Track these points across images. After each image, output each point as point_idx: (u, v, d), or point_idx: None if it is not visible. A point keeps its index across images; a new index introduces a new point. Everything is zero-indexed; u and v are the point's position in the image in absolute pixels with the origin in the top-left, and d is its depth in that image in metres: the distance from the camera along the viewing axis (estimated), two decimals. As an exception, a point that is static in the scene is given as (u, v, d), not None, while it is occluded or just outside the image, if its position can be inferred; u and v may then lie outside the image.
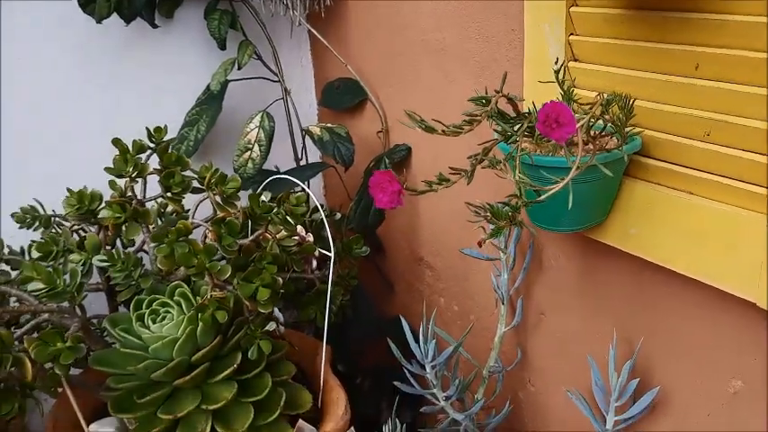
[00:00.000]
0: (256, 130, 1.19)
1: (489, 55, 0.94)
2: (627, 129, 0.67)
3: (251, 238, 0.88)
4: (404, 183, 0.60)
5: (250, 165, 1.18)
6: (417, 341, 0.88)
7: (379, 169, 1.15)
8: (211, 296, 0.79)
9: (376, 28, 1.17)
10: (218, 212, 0.85)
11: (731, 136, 0.65)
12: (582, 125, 0.63)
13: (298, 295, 1.10)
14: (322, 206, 1.11)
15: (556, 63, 0.64)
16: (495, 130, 0.67)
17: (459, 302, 1.16)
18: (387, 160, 1.15)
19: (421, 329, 0.89)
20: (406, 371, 0.92)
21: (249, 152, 1.18)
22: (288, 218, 0.87)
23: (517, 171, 0.64)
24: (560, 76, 0.65)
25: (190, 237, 0.83)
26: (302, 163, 1.28)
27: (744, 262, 0.65)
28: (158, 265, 0.79)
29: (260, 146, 1.18)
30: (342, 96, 1.28)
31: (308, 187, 1.29)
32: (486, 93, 0.66)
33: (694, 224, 0.69)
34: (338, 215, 1.12)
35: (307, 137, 1.23)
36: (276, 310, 0.97)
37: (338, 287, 1.07)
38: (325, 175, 1.44)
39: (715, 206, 0.67)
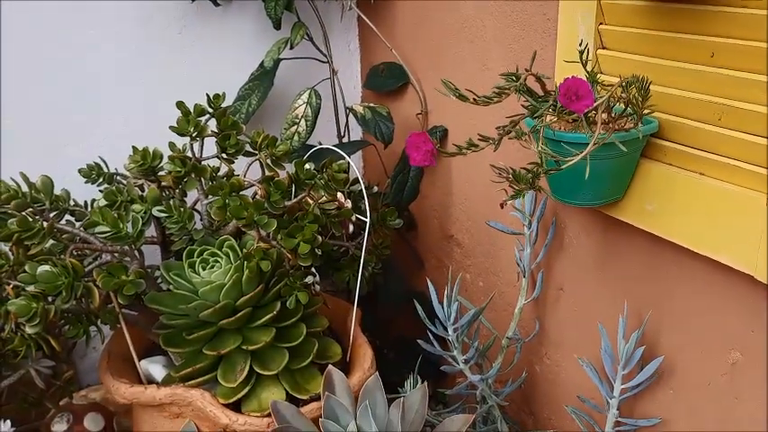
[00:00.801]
0: (304, 106, 1.27)
1: (526, 42, 1.00)
2: (644, 110, 0.73)
3: (295, 200, 0.96)
4: (436, 145, 0.67)
5: (296, 138, 1.26)
6: (442, 304, 0.95)
7: (416, 147, 1.22)
8: (257, 246, 0.88)
9: (421, 15, 1.24)
10: (267, 173, 0.93)
11: (741, 120, 0.70)
12: (601, 102, 0.69)
13: (333, 261, 1.18)
14: (359, 179, 1.19)
15: (580, 45, 0.71)
16: (523, 106, 0.74)
17: (485, 278, 1.23)
18: (424, 140, 1.22)
19: (445, 293, 0.96)
20: (429, 332, 0.99)
21: (296, 126, 1.26)
22: (329, 183, 0.95)
23: (540, 142, 0.71)
24: (584, 56, 0.71)
25: (241, 193, 0.92)
26: (344, 140, 1.36)
27: (745, 237, 0.71)
28: (212, 216, 0.88)
29: (306, 121, 1.26)
30: (385, 80, 1.36)
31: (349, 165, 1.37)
32: (518, 71, 0.73)
33: (704, 203, 0.75)
34: (375, 188, 1.20)
35: (350, 115, 1.31)
36: (313, 269, 1.05)
37: (371, 255, 1.14)
38: (365, 153, 1.51)
39: (723, 186, 0.73)
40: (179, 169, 0.90)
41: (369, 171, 1.53)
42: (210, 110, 0.99)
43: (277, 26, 1.27)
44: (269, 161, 0.91)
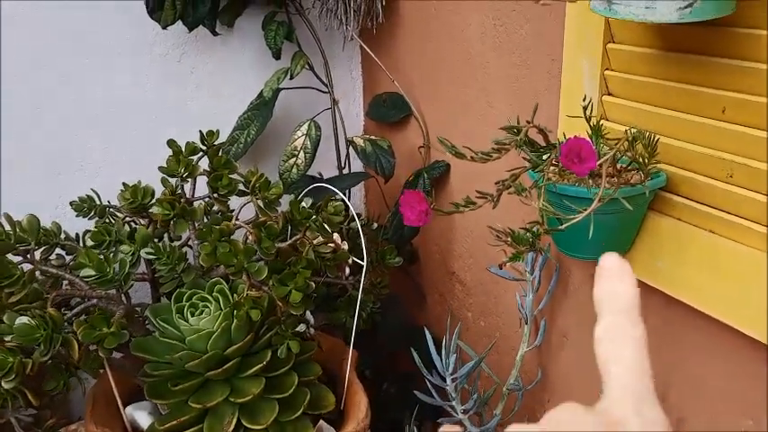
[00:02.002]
0: (303, 137, 1.24)
1: (529, 83, 0.97)
2: (651, 165, 0.70)
3: (289, 242, 0.93)
4: (432, 204, 0.63)
5: (294, 170, 1.23)
6: (440, 353, 0.92)
7: (417, 184, 1.19)
8: (247, 295, 0.84)
9: (425, 47, 1.21)
10: (259, 216, 0.90)
11: (753, 179, 0.66)
12: (606, 160, 0.65)
13: (330, 300, 1.14)
14: (359, 215, 1.16)
15: (584, 100, 0.67)
16: (524, 158, 0.70)
17: (486, 319, 1.19)
18: (426, 175, 1.19)
19: (444, 342, 0.92)
20: (427, 381, 0.96)
21: (295, 158, 1.23)
22: (325, 225, 0.92)
23: (542, 199, 0.67)
24: (588, 112, 0.67)
25: (232, 237, 0.88)
26: (345, 171, 1.33)
27: (758, 303, 0.67)
28: (200, 262, 0.84)
29: (305, 153, 1.23)
30: (388, 110, 1.32)
31: (349, 195, 1.34)
32: (519, 122, 0.69)
33: (714, 263, 0.71)
34: (375, 225, 1.16)
35: (351, 147, 1.28)
36: (308, 312, 1.02)
37: (369, 295, 1.11)
38: (367, 183, 1.48)
39: (734, 246, 0.69)
40: (167, 212, 0.87)
41: (370, 202, 1.50)
42: (203, 147, 0.96)
43: (277, 56, 1.24)
44: (261, 204, 0.87)
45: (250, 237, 0.86)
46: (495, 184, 0.68)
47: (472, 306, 1.23)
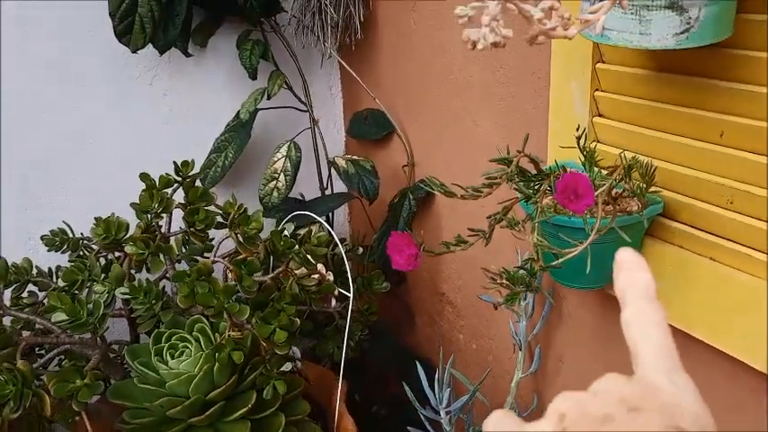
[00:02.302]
0: (283, 159, 1.20)
1: (515, 101, 0.93)
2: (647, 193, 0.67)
3: (271, 275, 0.89)
4: (421, 245, 0.60)
5: (275, 194, 1.19)
6: (433, 387, 0.88)
7: (402, 205, 1.15)
8: (229, 336, 0.80)
9: (406, 62, 1.17)
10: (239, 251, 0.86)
11: (754, 206, 0.64)
12: (601, 191, 0.62)
13: (317, 328, 1.10)
14: (343, 240, 1.12)
15: (577, 130, 0.64)
16: (515, 189, 0.67)
17: (478, 341, 1.16)
18: (411, 196, 1.16)
19: (437, 375, 0.88)
20: (420, 415, 0.92)
21: (275, 181, 1.19)
22: (308, 257, 0.88)
23: (536, 233, 0.64)
24: (581, 142, 0.64)
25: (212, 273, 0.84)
26: (328, 192, 1.29)
27: (760, 332, 0.64)
28: (178, 303, 0.80)
29: (286, 176, 1.19)
30: (369, 128, 1.29)
31: (333, 216, 1.30)
32: (509, 152, 0.66)
33: (715, 292, 0.68)
34: (360, 250, 1.13)
35: (332, 168, 1.24)
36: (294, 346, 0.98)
37: (357, 323, 1.07)
38: (351, 202, 1.44)
39: (737, 275, 0.66)
40: (141, 251, 0.82)
41: (355, 221, 1.46)
42: (178, 178, 0.92)
43: (253, 76, 1.20)
44: (241, 239, 0.83)
45: (230, 275, 0.81)
46: (487, 218, 0.65)
47: (463, 328, 1.19)
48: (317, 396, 1.10)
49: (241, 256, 0.82)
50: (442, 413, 0.90)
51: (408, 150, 1.21)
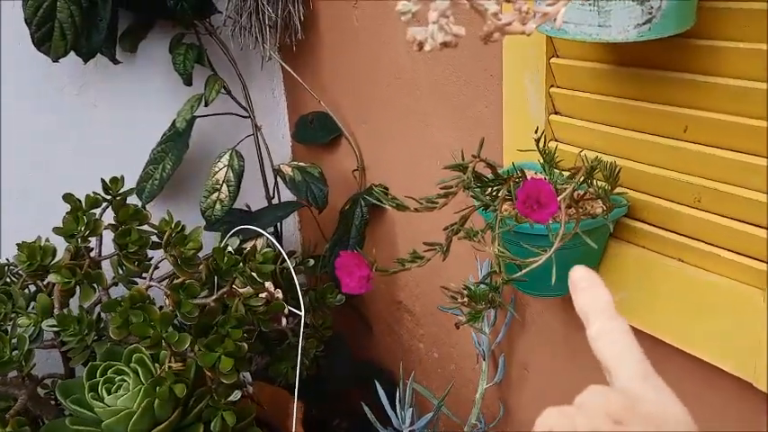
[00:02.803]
0: (225, 169, 1.13)
1: (467, 99, 0.89)
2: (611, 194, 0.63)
3: (214, 296, 0.82)
4: (373, 265, 0.54)
5: (218, 206, 1.12)
6: (394, 406, 0.83)
7: (354, 213, 1.10)
8: (169, 368, 0.73)
9: (350, 63, 1.11)
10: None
11: (723, 204, 0.60)
12: (565, 196, 0.58)
13: (269, 347, 1.04)
14: (292, 253, 1.06)
15: (536, 132, 0.59)
16: (472, 196, 0.62)
17: (440, 350, 1.11)
18: (362, 202, 1.10)
19: (398, 394, 0.83)
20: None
21: (217, 193, 1.12)
22: (254, 275, 0.82)
23: (496, 243, 0.59)
24: (540, 143, 0.60)
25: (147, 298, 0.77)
26: (275, 201, 1.23)
27: (739, 339, 0.61)
28: (111, 335, 0.73)
29: (229, 186, 1.12)
30: (315, 132, 1.23)
31: (281, 226, 1.24)
32: (463, 157, 0.61)
33: (684, 294, 0.65)
34: (311, 261, 1.07)
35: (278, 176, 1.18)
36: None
37: (311, 340, 1.01)
38: (301, 210, 1.38)
39: (707, 277, 0.63)
40: (67, 280, 0.75)
41: (306, 229, 1.40)
42: (107, 197, 0.84)
43: (188, 82, 1.12)
44: (178, 261, 0.77)
45: (167, 301, 0.75)
46: (444, 230, 0.60)
47: (423, 337, 1.15)
48: (273, 418, 1.04)
49: (179, 280, 0.76)
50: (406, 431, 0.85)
51: (357, 154, 1.16)
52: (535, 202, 0.50)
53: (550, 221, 0.63)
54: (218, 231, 1.14)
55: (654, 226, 0.67)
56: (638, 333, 0.70)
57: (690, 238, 0.64)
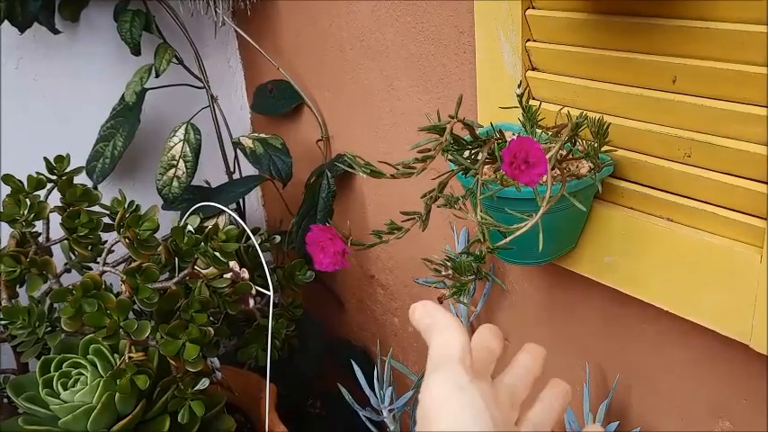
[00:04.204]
0: (181, 144, 1.06)
1: (436, 59, 0.84)
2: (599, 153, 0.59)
3: (175, 279, 0.77)
4: (348, 239, 0.50)
5: (175, 183, 1.06)
6: (372, 386, 0.79)
7: (320, 186, 1.04)
8: (129, 358, 0.68)
9: (310, 26, 1.05)
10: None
11: (715, 158, 0.57)
12: (552, 155, 0.54)
13: (237, 328, 0.99)
14: (257, 230, 1.01)
15: (519, 86, 0.55)
16: (450, 160, 0.58)
17: (415, 323, 1.08)
18: (329, 174, 1.05)
19: (375, 372, 0.79)
20: (362, 417, 0.83)
21: (174, 169, 1.06)
22: (217, 255, 0.76)
23: (478, 210, 0.55)
24: (524, 99, 0.55)
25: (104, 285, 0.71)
26: (236, 176, 1.17)
27: (734, 300, 0.58)
28: (63, 327, 0.67)
29: (186, 162, 1.06)
30: (276, 101, 1.16)
31: (244, 203, 1.18)
32: (439, 118, 0.56)
33: (675, 255, 0.61)
34: (277, 238, 1.01)
35: (238, 149, 1.12)
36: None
37: (281, 320, 0.96)
38: (265, 184, 1.32)
39: (698, 236, 0.60)
40: (12, 269, 0.68)
41: (270, 205, 1.34)
42: (53, 177, 0.78)
43: (136, 51, 1.05)
44: (134, 244, 0.71)
45: (124, 287, 0.69)
46: (422, 198, 0.55)
47: (398, 311, 1.11)
48: (245, 404, 1.00)
49: (135, 264, 0.70)
50: (385, 412, 0.81)
51: (321, 123, 1.10)
52: (523, 162, 0.45)
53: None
54: (177, 210, 1.08)
55: (641, 185, 0.63)
56: (627, 298, 0.67)
57: (679, 195, 0.60)
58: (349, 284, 1.21)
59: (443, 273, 0.49)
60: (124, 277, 0.69)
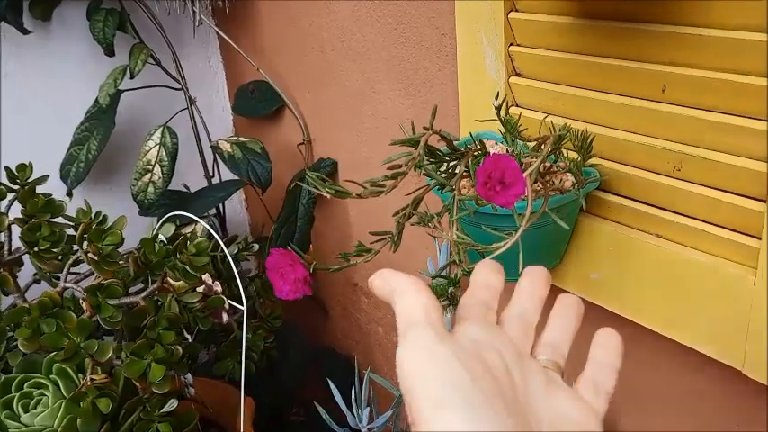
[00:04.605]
0: (156, 148, 1.03)
1: (418, 62, 0.80)
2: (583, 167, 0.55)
3: (144, 294, 0.73)
4: (311, 265, 0.46)
5: (151, 189, 1.02)
6: (350, 406, 0.75)
7: (300, 192, 1.01)
8: (91, 380, 0.64)
9: (290, 26, 1.01)
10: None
11: (706, 173, 0.53)
12: (531, 171, 0.50)
13: (214, 339, 0.96)
14: (235, 238, 0.97)
15: (496, 98, 0.51)
16: (425, 175, 0.54)
17: (399, 333, 1.04)
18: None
19: (353, 391, 0.76)
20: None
21: (149, 174, 1.02)
22: (187, 269, 0.73)
23: (454, 228, 0.51)
24: (502, 111, 0.52)
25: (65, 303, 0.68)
26: (216, 180, 1.13)
27: (724, 322, 0.54)
28: (21, 348, 0.64)
29: (162, 166, 1.02)
30: (257, 102, 1.13)
31: (223, 207, 1.14)
32: (414, 129, 0.53)
33: (664, 273, 0.58)
34: (256, 247, 0.98)
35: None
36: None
37: (259, 332, 0.93)
38: (248, 187, 1.28)
39: (689, 254, 0.56)
40: (-34, 287, 0.65)
41: (253, 208, 1.30)
42: (14, 187, 0.74)
43: (109, 52, 1.01)
44: (96, 259, 0.67)
45: (85, 305, 0.65)
46: (394, 216, 0.52)
47: (382, 320, 1.07)
48: (222, 417, 0.96)
49: (97, 280, 0.66)
50: (364, 431, 0.77)
51: (303, 126, 1.06)
52: (498, 183, 0.42)
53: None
54: (154, 216, 1.04)
55: (629, 199, 0.60)
56: (615, 317, 0.64)
57: (669, 211, 0.57)
58: (333, 292, 1.17)
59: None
60: (85, 296, 0.65)
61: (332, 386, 0.76)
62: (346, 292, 1.14)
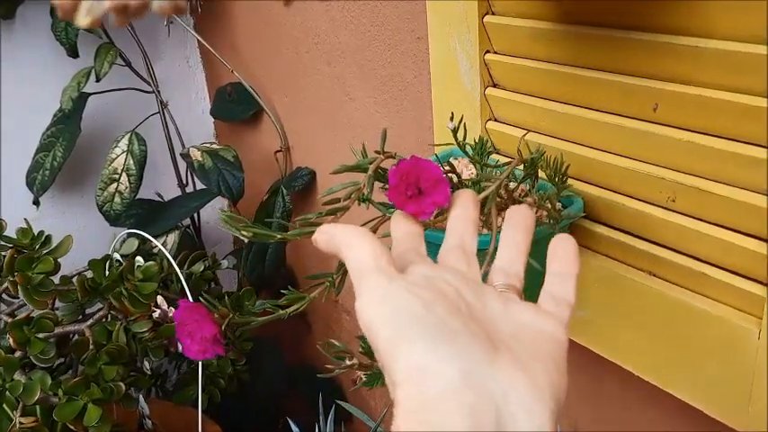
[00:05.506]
0: (123, 155, 0.96)
1: (393, 68, 0.73)
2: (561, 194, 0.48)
3: (88, 323, 0.67)
4: (225, 319, 0.39)
5: (117, 200, 0.96)
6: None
7: (275, 204, 0.94)
8: (20, 424, 0.58)
9: (264, 24, 0.94)
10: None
11: (704, 206, 0.46)
12: (488, 195, 0.43)
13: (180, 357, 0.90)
14: (202, 255, 0.91)
15: (451, 119, 0.44)
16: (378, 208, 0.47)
17: (381, 355, 0.97)
18: (284, 191, 0.94)
19: (317, 426, 0.69)
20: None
21: (116, 184, 0.96)
22: (136, 296, 0.66)
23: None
24: (459, 134, 0.44)
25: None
26: (189, 189, 1.07)
27: (725, 378, 0.47)
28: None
29: (129, 175, 0.96)
30: (235, 106, 1.06)
31: (198, 218, 1.08)
32: (365, 152, 0.46)
33: (657, 316, 0.51)
34: (224, 264, 0.91)
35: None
36: (141, 398, 0.76)
37: (226, 359, 0.86)
38: (227, 195, 1.22)
39: (684, 297, 0.49)
40: None
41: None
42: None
43: (73, 53, 0.95)
44: (27, 288, 0.60)
45: (11, 340, 0.59)
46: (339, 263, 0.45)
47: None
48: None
49: (24, 314, 0.60)
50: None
51: (280, 132, 0.99)
52: (413, 188, 0.35)
53: (484, 231, 0.48)
54: (124, 226, 0.98)
55: (618, 230, 0.52)
56: (604, 362, 0.56)
57: (662, 246, 0.50)
58: (315, 307, 1.11)
59: (348, 363, 0.39)
60: (11, 330, 0.59)
61: (292, 425, 0.69)
62: (328, 309, 1.07)
